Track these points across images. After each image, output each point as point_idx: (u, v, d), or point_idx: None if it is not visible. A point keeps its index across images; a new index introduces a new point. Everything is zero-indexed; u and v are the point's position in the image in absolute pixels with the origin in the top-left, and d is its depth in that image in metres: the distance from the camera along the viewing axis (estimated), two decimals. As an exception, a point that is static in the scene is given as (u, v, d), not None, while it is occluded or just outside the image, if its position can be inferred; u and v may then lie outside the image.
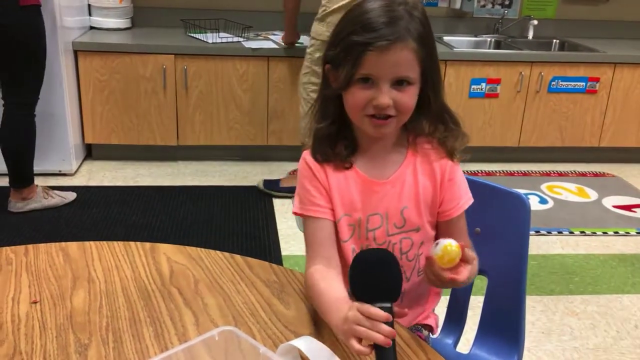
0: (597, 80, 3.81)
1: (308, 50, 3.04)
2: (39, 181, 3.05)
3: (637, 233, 3.11)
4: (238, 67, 3.54)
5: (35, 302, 1.11)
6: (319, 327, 1.06)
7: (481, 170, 3.80)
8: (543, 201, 3.43)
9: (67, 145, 3.35)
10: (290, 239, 2.86)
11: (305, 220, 1.18)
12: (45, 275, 1.20)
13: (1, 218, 2.92)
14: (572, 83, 3.80)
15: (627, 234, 3.10)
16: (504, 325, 1.35)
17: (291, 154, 3.42)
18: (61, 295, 1.14)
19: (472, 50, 4.00)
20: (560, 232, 3.08)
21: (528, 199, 1.31)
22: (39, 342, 1.01)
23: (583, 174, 3.86)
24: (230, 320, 1.08)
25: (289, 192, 3.19)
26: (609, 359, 2.17)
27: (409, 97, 1.09)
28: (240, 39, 3.64)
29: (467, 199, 1.18)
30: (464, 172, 1.20)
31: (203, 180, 3.51)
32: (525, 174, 3.83)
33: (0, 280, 1.18)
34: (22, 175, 2.95)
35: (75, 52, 3.40)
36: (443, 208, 1.17)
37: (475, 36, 4.19)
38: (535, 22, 4.17)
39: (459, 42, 4.00)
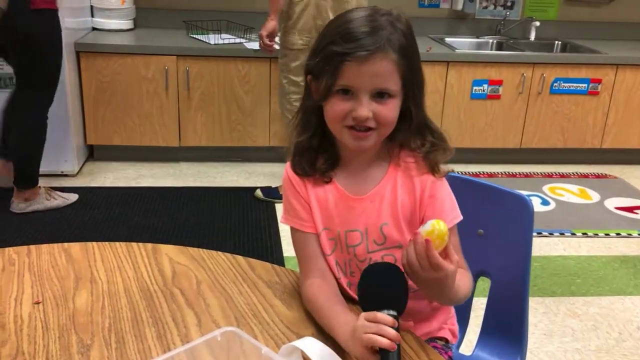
0: (599, 81, 3.81)
1: (281, 61, 3.03)
2: (41, 182, 3.06)
3: (639, 235, 3.10)
4: (240, 68, 3.54)
5: (37, 303, 1.11)
6: (321, 328, 1.06)
7: (483, 172, 3.80)
8: (545, 203, 3.43)
9: (69, 146, 3.36)
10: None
11: (293, 232, 1.18)
12: (47, 276, 1.20)
13: (3, 219, 2.92)
14: (574, 84, 3.80)
15: (629, 235, 3.10)
16: (507, 326, 1.35)
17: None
18: (64, 296, 1.14)
19: (474, 52, 4.01)
20: (562, 234, 3.07)
21: (531, 200, 1.31)
22: (42, 343, 1.01)
23: (585, 176, 3.86)
24: (233, 321, 1.08)
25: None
26: (611, 361, 2.17)
27: (390, 110, 1.06)
28: (242, 40, 3.65)
29: (453, 217, 1.11)
30: (466, 174, 1.20)
31: (205, 182, 3.51)
32: (527, 175, 3.83)
33: (3, 280, 1.18)
34: (27, 176, 2.96)
35: (78, 53, 3.40)
36: None
37: (477, 37, 4.19)
38: (537, 23, 4.17)
39: (461, 43, 4.01)
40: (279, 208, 3.19)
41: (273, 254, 2.73)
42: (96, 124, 3.55)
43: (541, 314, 2.41)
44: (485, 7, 4.21)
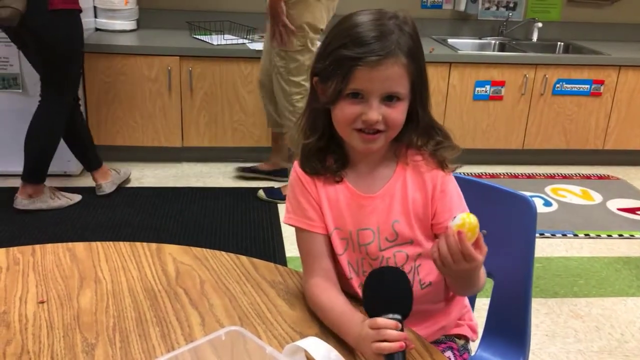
0: (601, 82, 3.81)
1: (279, 64, 3.02)
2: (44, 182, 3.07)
3: (642, 236, 3.10)
4: (243, 68, 3.54)
5: (42, 302, 1.12)
6: (325, 327, 1.07)
7: (485, 173, 3.80)
8: (547, 204, 3.43)
9: (72, 147, 3.36)
10: (295, 240, 2.85)
11: (298, 232, 1.18)
12: (52, 276, 1.20)
13: (7, 219, 2.93)
14: (577, 85, 3.80)
15: (632, 236, 3.09)
16: (510, 327, 1.35)
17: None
18: (68, 295, 1.14)
19: (477, 53, 4.01)
20: (564, 235, 3.07)
21: (534, 201, 1.31)
22: (47, 342, 1.01)
23: (587, 177, 3.86)
24: (236, 321, 1.08)
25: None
26: (614, 362, 2.17)
27: (399, 113, 1.07)
28: (245, 41, 3.65)
29: (461, 211, 1.11)
30: (468, 174, 1.20)
31: (207, 182, 3.51)
32: (529, 176, 3.83)
33: (8, 280, 1.19)
34: (36, 171, 2.98)
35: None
36: (437, 220, 1.14)
37: (480, 38, 4.19)
38: (540, 24, 4.17)
39: (464, 44, 4.01)
40: (282, 209, 3.20)
41: (276, 255, 2.74)
42: (99, 125, 3.55)
43: (543, 315, 2.41)
44: (488, 8, 4.21)
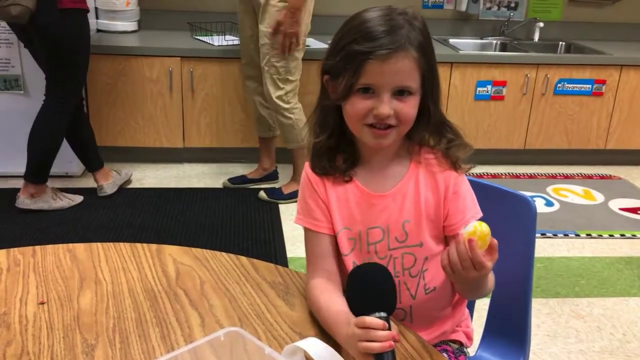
0: (603, 82, 3.80)
1: (279, 64, 3.01)
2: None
3: (644, 236, 3.10)
4: (244, 69, 3.55)
5: (42, 303, 1.12)
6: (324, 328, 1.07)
7: (487, 173, 3.80)
8: (549, 204, 3.42)
9: (74, 148, 3.37)
10: (296, 240, 2.86)
11: (305, 232, 1.19)
12: (52, 277, 1.21)
13: (9, 220, 2.94)
14: (578, 85, 3.79)
15: (634, 236, 3.09)
16: (510, 327, 1.35)
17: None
18: (68, 296, 1.14)
19: (478, 53, 4.00)
20: (566, 235, 3.07)
21: (534, 201, 1.31)
22: (47, 343, 1.01)
23: (589, 177, 3.86)
24: (236, 321, 1.08)
25: (293, 197, 3.20)
26: (615, 362, 2.17)
27: (410, 107, 1.07)
28: (246, 42, 3.65)
29: (474, 213, 1.13)
30: (469, 175, 1.20)
31: (209, 183, 3.52)
32: (531, 176, 3.83)
33: (8, 281, 1.19)
34: (38, 171, 2.99)
35: (82, 55, 3.42)
36: (448, 222, 1.13)
37: (481, 38, 4.19)
38: (541, 24, 4.17)
39: (465, 44, 4.00)
40: (283, 209, 3.20)
41: (277, 255, 2.74)
42: (100, 125, 3.56)
43: (545, 315, 2.40)
44: (489, 8, 4.21)
